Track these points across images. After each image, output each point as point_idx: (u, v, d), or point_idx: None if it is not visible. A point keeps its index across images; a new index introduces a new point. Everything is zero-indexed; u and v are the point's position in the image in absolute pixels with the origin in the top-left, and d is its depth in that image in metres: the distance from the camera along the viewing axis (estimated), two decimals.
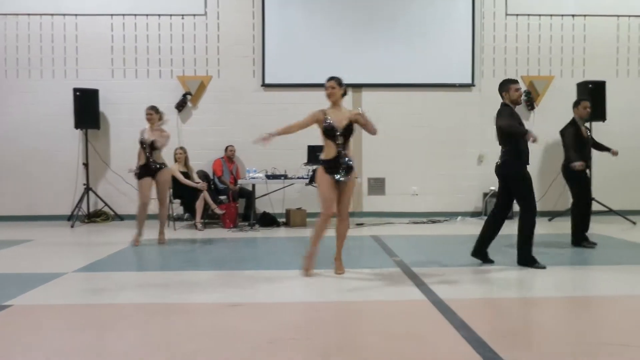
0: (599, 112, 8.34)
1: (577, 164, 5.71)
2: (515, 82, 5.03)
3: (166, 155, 8.27)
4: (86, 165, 8.69)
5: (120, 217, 8.79)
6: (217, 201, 7.96)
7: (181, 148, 8.04)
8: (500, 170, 5.08)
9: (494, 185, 8.86)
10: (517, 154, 4.94)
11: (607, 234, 6.96)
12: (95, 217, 8.65)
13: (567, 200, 8.93)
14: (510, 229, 7.74)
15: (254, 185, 7.98)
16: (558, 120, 6.68)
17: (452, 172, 9.04)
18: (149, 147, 6.24)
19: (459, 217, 8.83)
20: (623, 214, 8.21)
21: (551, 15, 9.14)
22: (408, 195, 9.03)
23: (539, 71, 9.14)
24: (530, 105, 9.00)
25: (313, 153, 7.93)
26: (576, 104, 6.17)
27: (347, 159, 4.66)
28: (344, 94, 4.85)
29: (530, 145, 5.02)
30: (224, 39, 9.01)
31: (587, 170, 6.12)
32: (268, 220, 8.06)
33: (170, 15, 8.99)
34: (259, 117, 8.86)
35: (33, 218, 8.76)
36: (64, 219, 8.59)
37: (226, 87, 8.97)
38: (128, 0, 8.94)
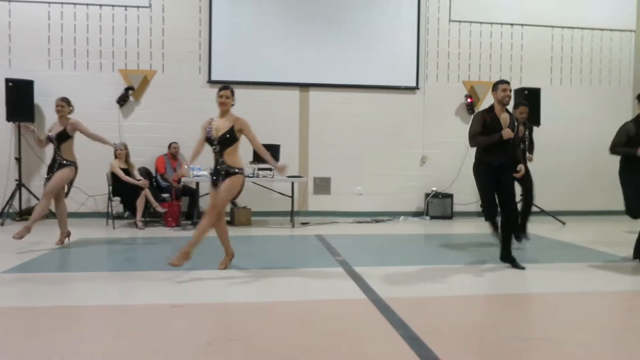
0: (534, 118, 8.71)
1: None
2: (506, 82, 5.10)
3: (106, 150, 8.04)
4: (18, 160, 8.25)
5: (55, 215, 8.38)
6: (159, 199, 7.77)
7: (122, 143, 7.79)
8: None
9: (435, 186, 9.17)
10: (481, 155, 5.08)
11: (538, 233, 7.31)
12: (27, 214, 8.17)
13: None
14: (448, 228, 8.04)
15: (198, 183, 7.84)
16: None
17: (396, 173, 9.24)
18: (56, 141, 5.87)
19: (402, 217, 9.03)
20: (554, 214, 8.65)
21: (492, 23, 9.50)
22: (353, 195, 9.15)
23: (480, 77, 9.48)
24: (471, 109, 9.32)
25: None
26: (515, 107, 6.42)
27: (225, 165, 4.74)
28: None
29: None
30: (169, 32, 8.79)
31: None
32: None
33: (113, 5, 8.68)
34: (205, 114, 8.52)
35: None
36: None
37: (171, 83, 8.76)
38: None
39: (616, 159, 5.59)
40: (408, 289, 4.34)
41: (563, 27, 9.71)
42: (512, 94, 5.24)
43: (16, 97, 8.04)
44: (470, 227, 8.04)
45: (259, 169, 7.89)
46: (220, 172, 4.76)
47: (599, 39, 9.81)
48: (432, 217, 8.92)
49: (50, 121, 8.50)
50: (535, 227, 7.91)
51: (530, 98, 8.69)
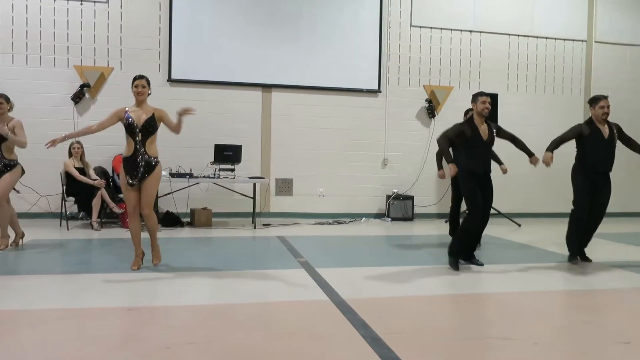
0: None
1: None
2: (485, 94, 5.23)
3: (61, 148, 7.75)
4: None
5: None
6: (116, 199, 7.54)
7: (77, 142, 7.53)
8: None
9: (396, 188, 9.28)
10: (466, 163, 5.16)
11: (495, 235, 7.50)
12: None
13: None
14: (409, 230, 8.14)
15: None
16: None
17: (358, 175, 9.30)
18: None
19: (364, 219, 9.10)
20: (509, 216, 8.90)
21: (451, 29, 9.70)
22: (315, 196, 9.16)
23: (440, 81, 9.66)
24: (432, 113, 9.49)
25: (221, 152, 7.80)
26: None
27: (146, 156, 4.71)
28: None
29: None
30: (127, 29, 8.56)
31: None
32: (171, 220, 7.78)
33: (68, 0, 8.39)
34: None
35: None
36: None
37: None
38: None
39: (567, 164, 5.83)
40: (370, 290, 4.36)
41: (519, 36, 10.01)
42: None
43: None
44: (430, 229, 8.18)
45: (220, 169, 7.78)
46: (140, 163, 4.67)
47: (553, 47, 10.17)
48: (393, 219, 9.02)
49: None
50: (492, 228, 8.12)
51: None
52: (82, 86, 8.30)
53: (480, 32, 9.83)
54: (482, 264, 5.29)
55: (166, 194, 7.93)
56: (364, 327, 3.29)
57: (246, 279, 4.61)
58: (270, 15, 8.97)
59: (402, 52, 9.52)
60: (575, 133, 5.53)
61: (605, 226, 5.90)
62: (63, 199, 7.35)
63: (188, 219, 8.00)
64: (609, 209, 5.67)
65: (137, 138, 4.70)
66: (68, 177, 7.32)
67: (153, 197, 4.83)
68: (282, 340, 3.09)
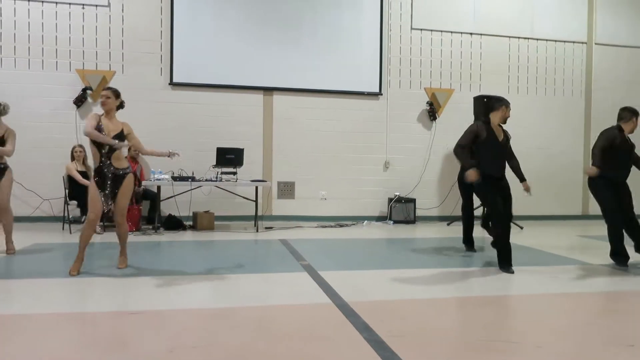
0: None
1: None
2: (509, 103, 5.36)
3: (63, 152, 7.78)
4: None
5: None
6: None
7: (80, 146, 7.56)
8: None
9: (398, 190, 9.29)
10: (484, 168, 5.16)
11: None
12: None
13: None
14: (411, 233, 8.12)
15: (159, 187, 7.68)
16: (457, 130, 7.07)
17: (360, 178, 9.31)
18: None
19: (366, 222, 9.10)
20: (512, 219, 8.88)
21: (452, 32, 9.72)
22: (317, 199, 9.17)
23: (441, 84, 9.68)
24: (433, 116, 9.50)
25: (223, 155, 7.82)
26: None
27: (112, 167, 4.74)
28: (121, 106, 4.96)
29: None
30: (129, 33, 8.60)
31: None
32: (173, 223, 7.79)
33: (69, 3, 8.42)
34: (166, 116, 8.57)
35: None
36: None
37: (131, 84, 8.54)
38: None
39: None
40: (372, 293, 4.37)
41: (519, 38, 10.03)
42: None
43: None
44: (432, 232, 8.18)
45: (222, 173, 7.80)
46: (108, 175, 4.73)
47: (553, 50, 10.19)
48: (395, 222, 9.02)
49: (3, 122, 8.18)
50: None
51: (488, 105, 8.93)
52: (84, 90, 8.34)
53: (481, 34, 9.85)
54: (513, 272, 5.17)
55: (169, 198, 7.94)
56: (367, 330, 3.29)
57: (249, 282, 4.61)
58: (272, 18, 9.00)
59: (403, 54, 9.54)
60: (611, 140, 5.39)
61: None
62: (66, 203, 7.37)
63: (190, 222, 8.01)
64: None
65: (104, 150, 4.73)
66: (71, 181, 7.34)
67: (126, 207, 4.98)
68: (285, 343, 3.10)
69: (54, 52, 8.37)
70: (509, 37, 9.97)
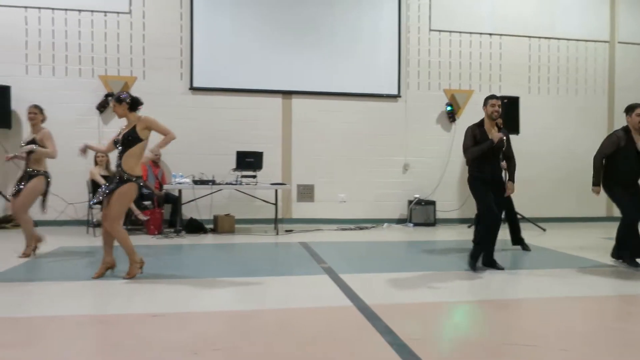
0: (513, 126, 8.89)
1: None
2: (495, 97, 5.25)
3: (88, 158, 7.90)
4: None
5: (35, 223, 8.19)
6: (141, 207, 7.66)
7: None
8: None
9: (418, 193, 9.24)
10: (473, 170, 5.23)
11: None
12: (4, 222, 8.06)
13: None
14: (431, 235, 8.06)
15: (180, 191, 7.77)
16: None
17: (379, 180, 9.29)
18: (26, 151, 5.68)
19: (386, 224, 9.07)
20: (534, 220, 8.79)
21: (471, 32, 9.66)
22: (336, 202, 9.17)
23: (460, 85, 9.61)
24: (452, 117, 9.44)
25: (242, 158, 7.88)
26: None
27: (120, 169, 4.72)
28: (134, 107, 4.91)
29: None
30: (149, 39, 8.73)
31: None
32: (195, 227, 7.86)
33: (92, 11, 8.58)
34: (187, 121, 8.65)
35: None
36: None
37: (152, 89, 8.66)
38: None
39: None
40: (394, 296, 4.35)
41: (540, 37, 9.91)
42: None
43: None
44: (453, 234, 8.12)
45: (242, 176, 7.86)
46: (116, 175, 4.73)
47: (575, 49, 10.05)
48: (416, 224, 8.98)
49: (29, 128, 8.36)
50: None
51: (509, 106, 8.85)
52: (106, 95, 8.48)
53: (500, 34, 9.76)
54: (502, 268, 5.24)
55: (190, 201, 8.03)
56: (390, 333, 3.29)
57: (270, 285, 4.64)
58: (290, 22, 9.05)
59: (422, 56, 9.51)
60: (614, 145, 5.37)
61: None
62: (89, 207, 7.49)
63: (211, 226, 8.08)
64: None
65: (118, 151, 4.80)
66: (94, 185, 7.47)
67: (115, 212, 4.77)
68: (308, 346, 3.11)
69: (77, 59, 8.54)
70: (529, 37, 9.86)
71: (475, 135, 5.19)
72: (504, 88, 9.60)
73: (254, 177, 7.88)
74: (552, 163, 9.87)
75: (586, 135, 9.94)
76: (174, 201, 8.01)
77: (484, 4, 9.66)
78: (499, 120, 6.07)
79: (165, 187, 7.92)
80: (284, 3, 9.05)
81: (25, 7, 8.38)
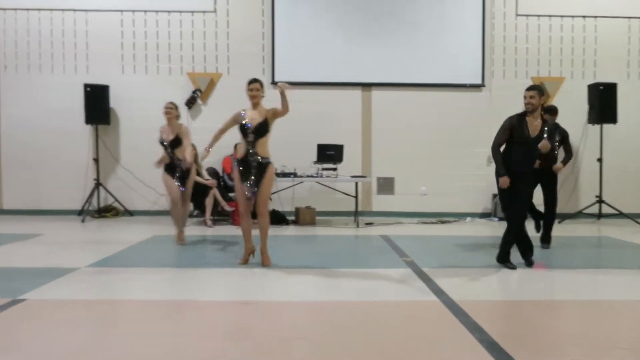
0: (609, 115, 8.32)
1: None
2: (530, 88, 4.98)
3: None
4: (96, 160, 8.72)
5: (130, 213, 8.83)
6: (226, 198, 7.98)
7: (191, 144, 8.05)
8: None
9: None
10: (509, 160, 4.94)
11: (615, 236, 6.93)
12: (105, 212, 8.70)
13: (576, 202, 8.94)
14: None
15: None
16: (568, 120, 6.67)
17: (462, 173, 9.02)
18: (169, 147, 6.12)
19: (469, 218, 8.81)
20: (633, 217, 8.17)
21: (562, 16, 9.09)
22: (417, 195, 9.02)
23: (550, 72, 9.09)
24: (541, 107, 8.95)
25: (323, 151, 7.96)
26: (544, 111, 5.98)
27: (257, 157, 4.89)
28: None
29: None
30: (233, 36, 9.02)
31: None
32: (277, 218, 8.06)
33: (180, 12, 9.00)
34: None
35: (42, 212, 8.80)
36: (74, 213, 8.63)
37: (236, 84, 8.84)
38: None
39: None
40: (480, 292, 4.24)
41: None
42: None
43: (93, 101, 8.51)
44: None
45: (323, 169, 7.95)
46: (253, 164, 4.92)
47: None
48: (501, 219, 8.62)
49: (125, 124, 8.99)
50: (611, 230, 7.54)
51: (605, 94, 8.28)
52: (194, 92, 8.88)
53: (595, 16, 9.10)
54: (514, 267, 4.93)
55: (272, 193, 8.22)
56: (478, 330, 3.20)
57: (353, 277, 4.67)
58: (370, 13, 8.98)
59: (508, 43, 9.09)
60: None
61: None
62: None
63: (293, 217, 8.25)
64: None
65: (249, 139, 4.95)
66: None
67: (267, 196, 5.09)
68: (395, 340, 3.10)
69: (167, 58, 9.00)
70: (628, 17, 9.11)
71: (513, 128, 4.85)
72: (600, 74, 8.96)
73: (335, 169, 7.94)
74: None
75: None
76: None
77: None
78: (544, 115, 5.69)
79: None
80: None
81: (121, 11, 8.95)
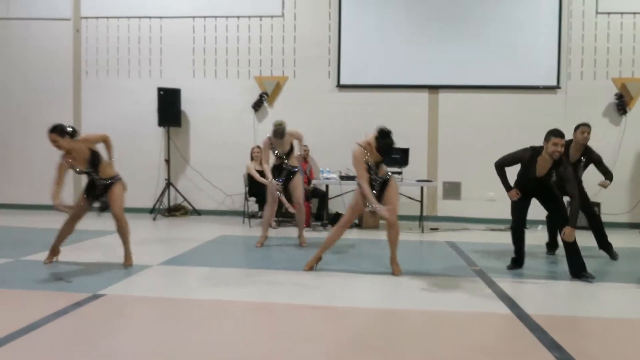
0: None
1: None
2: (559, 136, 4.74)
3: (243, 153, 8.53)
4: (168, 161, 9.07)
5: (198, 212, 9.12)
6: (291, 200, 8.03)
7: (257, 147, 8.21)
8: None
9: None
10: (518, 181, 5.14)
11: None
12: (174, 211, 9.03)
13: None
14: (593, 240, 7.25)
15: (327, 186, 8.02)
16: None
17: None
18: (285, 155, 6.22)
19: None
20: None
21: None
22: (485, 200, 8.72)
23: (633, 73, 8.53)
24: (622, 109, 8.43)
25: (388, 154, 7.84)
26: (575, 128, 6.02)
27: (379, 177, 4.89)
28: None
29: None
30: (300, 40, 9.10)
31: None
32: None
33: (249, 17, 9.20)
34: (334, 118, 8.88)
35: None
36: (146, 211, 9.02)
37: (301, 88, 9.06)
38: (209, 3, 9.22)
39: None
40: (557, 306, 4.02)
41: None
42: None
43: (166, 104, 8.85)
44: (621, 240, 7.24)
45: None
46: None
47: None
48: (577, 228, 8.17)
49: (195, 126, 9.30)
50: None
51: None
52: (261, 95, 9.05)
53: None
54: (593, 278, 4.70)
55: (336, 196, 8.24)
56: (558, 348, 3.03)
57: (419, 284, 4.56)
58: (437, 15, 8.79)
59: (586, 42, 8.61)
60: None
61: None
62: (246, 199, 8.07)
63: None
64: None
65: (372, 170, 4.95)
66: (250, 179, 8.01)
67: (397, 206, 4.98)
68: (467, 354, 2.99)
69: (235, 62, 9.23)
70: None
71: (521, 161, 5.04)
72: None
73: (400, 173, 7.82)
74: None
75: None
76: (322, 196, 8.29)
77: None
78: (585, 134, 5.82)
79: (313, 182, 8.22)
80: None
81: (193, 17, 9.27)
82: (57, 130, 4.55)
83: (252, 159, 8.18)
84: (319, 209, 8.44)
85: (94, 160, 4.81)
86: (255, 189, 7.96)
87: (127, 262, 5.02)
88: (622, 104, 8.42)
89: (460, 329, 3.45)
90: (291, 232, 7.48)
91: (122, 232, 5.00)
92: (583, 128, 5.75)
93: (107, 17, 9.42)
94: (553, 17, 8.58)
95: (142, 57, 9.40)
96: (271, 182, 6.19)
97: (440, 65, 8.76)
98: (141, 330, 3.32)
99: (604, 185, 5.97)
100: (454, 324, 3.54)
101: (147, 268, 4.93)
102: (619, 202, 8.44)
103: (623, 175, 8.44)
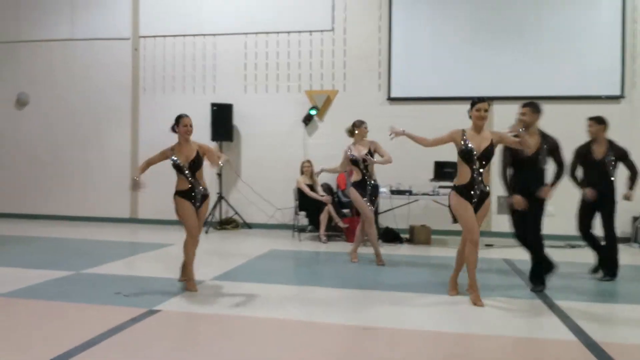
0: None
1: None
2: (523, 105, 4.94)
3: (294, 167, 8.56)
4: (220, 175, 9.23)
5: (249, 226, 9.21)
6: (340, 214, 8.01)
7: (308, 161, 8.24)
8: None
9: None
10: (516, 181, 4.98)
11: None
12: (226, 224, 9.15)
13: None
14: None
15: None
16: None
17: None
18: (362, 164, 6.11)
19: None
20: None
21: None
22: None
23: None
24: None
25: (440, 169, 7.70)
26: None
27: (482, 185, 4.48)
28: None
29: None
30: (350, 53, 9.10)
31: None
32: (391, 236, 7.92)
33: (299, 32, 9.28)
34: (385, 131, 8.71)
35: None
36: None
37: (352, 101, 9.02)
38: (261, 20, 9.37)
39: None
40: (627, 333, 3.75)
41: None
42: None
43: (219, 119, 9.03)
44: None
45: (440, 187, 7.67)
46: (476, 192, 4.52)
47: None
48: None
49: (246, 140, 9.43)
50: None
51: None
52: (311, 109, 9.08)
53: None
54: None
55: (386, 210, 8.13)
56: None
57: (475, 305, 4.38)
58: (490, 25, 8.58)
59: None
60: None
61: None
62: (296, 213, 8.09)
63: (407, 236, 8.06)
64: None
65: (475, 166, 4.49)
66: (300, 193, 8.03)
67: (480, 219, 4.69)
68: None
69: (286, 77, 9.32)
70: None
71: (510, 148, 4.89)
72: None
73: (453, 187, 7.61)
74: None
75: None
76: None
77: None
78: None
79: None
80: (484, 6, 8.61)
81: (245, 34, 9.45)
82: None
83: (302, 173, 8.20)
84: None
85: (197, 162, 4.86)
86: (305, 203, 7.96)
87: (192, 287, 4.72)
88: None
89: (523, 357, 3.27)
90: (340, 247, 7.41)
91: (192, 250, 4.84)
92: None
93: (164, 36, 9.75)
94: (615, 25, 8.19)
95: (197, 73, 9.65)
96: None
97: (494, 76, 8.52)
98: (198, 349, 3.34)
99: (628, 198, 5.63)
100: (516, 352, 3.38)
101: (200, 283, 4.99)
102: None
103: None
